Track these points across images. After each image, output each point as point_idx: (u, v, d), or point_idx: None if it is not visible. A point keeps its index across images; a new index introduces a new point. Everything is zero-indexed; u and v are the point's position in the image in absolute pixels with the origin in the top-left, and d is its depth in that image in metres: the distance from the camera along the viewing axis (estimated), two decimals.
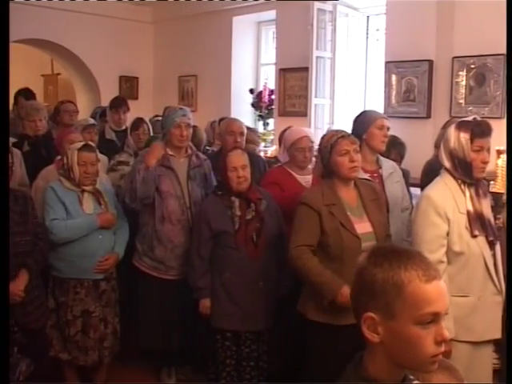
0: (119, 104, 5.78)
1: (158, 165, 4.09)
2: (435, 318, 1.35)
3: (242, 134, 4.74)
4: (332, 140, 3.35)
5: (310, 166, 4.33)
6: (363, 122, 3.95)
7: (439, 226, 3.00)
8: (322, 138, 3.51)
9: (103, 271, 3.98)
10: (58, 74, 10.95)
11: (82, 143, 4.02)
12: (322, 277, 3.21)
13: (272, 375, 3.97)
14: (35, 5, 8.02)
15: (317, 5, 6.63)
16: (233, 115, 7.45)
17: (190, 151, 4.27)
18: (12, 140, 4.87)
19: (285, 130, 4.84)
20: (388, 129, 3.94)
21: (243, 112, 8.12)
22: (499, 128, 3.47)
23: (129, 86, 9.31)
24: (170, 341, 4.21)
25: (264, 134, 7.73)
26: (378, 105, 6.26)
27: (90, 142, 4.16)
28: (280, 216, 3.93)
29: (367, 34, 7.11)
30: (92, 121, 5.46)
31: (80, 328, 3.94)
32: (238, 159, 3.81)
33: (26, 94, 6.15)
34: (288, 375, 3.94)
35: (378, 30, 6.99)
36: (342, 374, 1.48)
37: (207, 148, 5.74)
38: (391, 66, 5.98)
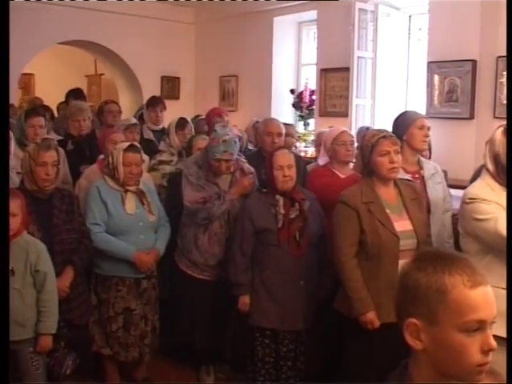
0: (156, 103, 5.84)
1: (204, 179, 4.12)
2: (481, 325, 1.30)
3: (279, 134, 4.73)
4: (373, 140, 3.35)
5: (351, 168, 4.31)
6: (403, 122, 3.92)
7: None
8: (363, 136, 3.50)
9: (145, 269, 4.04)
10: (102, 74, 11.13)
11: (127, 144, 4.05)
12: (356, 293, 3.28)
13: (309, 375, 3.97)
14: (79, 7, 8.17)
15: (358, 5, 6.61)
16: (273, 115, 7.45)
17: (232, 168, 4.18)
18: (57, 138, 4.98)
19: (320, 132, 4.83)
20: (428, 129, 3.91)
21: (284, 112, 8.12)
22: None
23: (170, 86, 9.39)
24: (209, 339, 4.22)
25: (304, 135, 7.73)
26: (419, 105, 6.19)
27: (135, 143, 4.19)
28: (322, 217, 3.92)
29: (409, 33, 7.04)
30: (134, 120, 5.52)
31: (121, 324, 3.99)
32: (284, 158, 3.82)
33: (76, 94, 6.26)
34: (324, 376, 3.94)
35: (420, 29, 6.91)
36: (385, 381, 1.45)
37: (249, 148, 5.75)
38: (433, 66, 5.91)
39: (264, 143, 4.71)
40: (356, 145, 4.40)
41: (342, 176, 4.22)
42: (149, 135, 5.66)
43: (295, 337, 3.87)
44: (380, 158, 3.30)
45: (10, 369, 2.95)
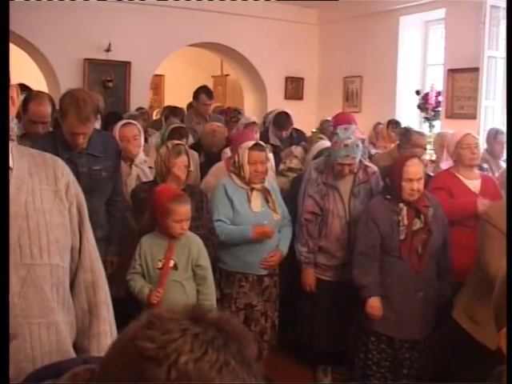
0: (283, 126, 5.75)
1: (323, 182, 4.14)
2: None
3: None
4: None
5: (478, 172, 4.18)
6: None
7: None
8: None
9: (268, 267, 4.08)
10: (227, 75, 11.41)
11: (252, 142, 4.13)
12: None
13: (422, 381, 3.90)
14: (208, 10, 8.44)
15: (490, 1, 6.38)
16: (398, 117, 7.36)
17: (355, 169, 4.15)
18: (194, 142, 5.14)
19: (442, 135, 4.69)
20: None
21: (408, 114, 7.99)
22: None
23: (294, 87, 9.48)
24: (328, 340, 4.23)
25: (429, 137, 7.53)
26: None
27: (261, 142, 4.26)
28: (446, 224, 3.82)
29: None
30: (253, 118, 5.62)
31: (242, 320, 4.06)
32: (415, 171, 3.69)
33: (208, 92, 6.47)
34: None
35: None
36: None
37: (370, 151, 5.71)
38: None
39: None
40: (485, 147, 4.25)
41: (466, 181, 4.10)
42: (275, 141, 5.69)
43: (412, 345, 3.81)
44: None
45: None
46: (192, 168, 3.95)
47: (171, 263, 3.40)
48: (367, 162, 4.36)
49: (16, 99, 1.68)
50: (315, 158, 4.59)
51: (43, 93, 4.54)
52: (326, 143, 4.70)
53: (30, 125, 4.13)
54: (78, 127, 3.42)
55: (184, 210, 3.36)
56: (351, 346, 4.25)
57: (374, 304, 3.75)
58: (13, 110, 1.68)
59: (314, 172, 4.22)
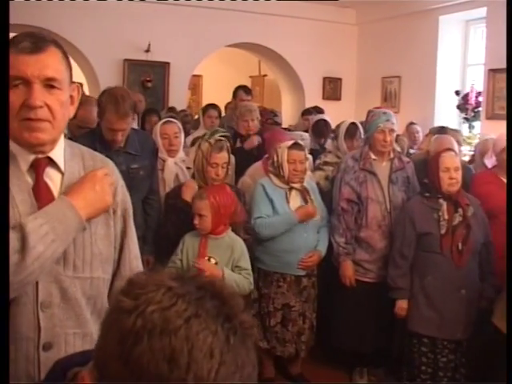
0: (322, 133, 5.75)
1: (360, 169, 4.14)
2: None
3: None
4: None
5: None
6: None
7: None
8: None
9: (306, 268, 4.08)
10: (265, 75, 11.43)
11: (291, 141, 4.14)
12: None
13: None
14: (246, 11, 8.47)
15: None
16: (437, 117, 7.30)
17: (392, 154, 4.23)
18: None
19: (486, 140, 4.62)
20: None
21: (448, 114, 7.90)
22: None
23: (332, 87, 9.45)
24: (364, 342, 4.21)
25: (469, 138, 7.44)
26: None
27: (300, 141, 4.27)
28: (486, 224, 3.79)
29: None
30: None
31: (280, 320, 4.09)
32: (451, 160, 3.74)
33: (246, 90, 6.50)
34: None
35: None
36: None
37: (409, 150, 5.67)
38: None
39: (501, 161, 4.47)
40: None
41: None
42: (314, 145, 5.59)
43: (455, 347, 3.77)
44: None
45: None
46: (231, 166, 3.99)
47: (212, 261, 3.44)
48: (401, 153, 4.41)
49: (76, 98, 1.67)
50: None
51: (91, 97, 4.60)
52: None
53: (76, 129, 4.19)
54: (117, 123, 3.48)
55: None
56: (390, 348, 4.24)
57: (404, 306, 3.83)
58: (71, 110, 1.67)
59: (351, 160, 4.23)
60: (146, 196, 3.90)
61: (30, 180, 1.60)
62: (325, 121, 5.75)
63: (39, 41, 1.54)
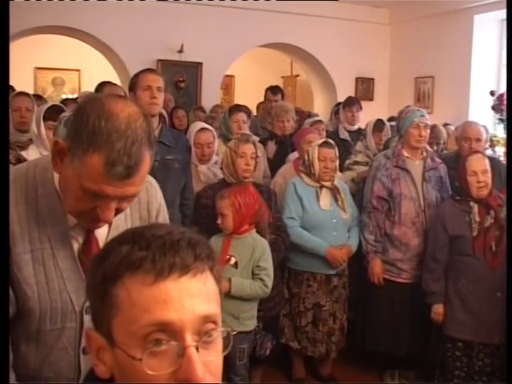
0: (352, 102, 5.83)
1: (393, 166, 4.12)
2: None
3: (478, 140, 4.52)
4: None
5: None
6: None
7: None
8: None
9: (334, 260, 4.02)
10: (297, 75, 11.41)
11: (322, 140, 4.16)
12: None
13: None
14: (278, 11, 8.47)
15: None
16: (471, 118, 7.18)
17: (425, 153, 4.22)
18: (257, 138, 5.19)
19: None
20: None
21: (482, 115, 7.78)
22: None
23: (365, 87, 9.39)
24: (397, 345, 4.18)
25: (504, 139, 7.34)
26: None
27: (330, 140, 4.25)
28: None
29: None
30: (318, 117, 5.61)
31: (310, 320, 4.09)
32: (478, 163, 3.71)
33: (275, 90, 6.50)
34: None
35: None
36: None
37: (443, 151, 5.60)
38: None
39: (462, 148, 4.56)
40: None
41: None
42: (344, 135, 5.66)
43: (491, 351, 3.72)
44: None
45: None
46: (259, 159, 4.03)
47: (232, 261, 3.45)
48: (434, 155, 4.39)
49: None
50: (383, 148, 4.71)
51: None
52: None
53: None
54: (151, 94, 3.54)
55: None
56: (422, 352, 4.20)
57: (440, 311, 3.81)
58: None
59: (383, 158, 4.22)
60: (182, 196, 3.86)
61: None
62: (350, 97, 6.01)
63: None
